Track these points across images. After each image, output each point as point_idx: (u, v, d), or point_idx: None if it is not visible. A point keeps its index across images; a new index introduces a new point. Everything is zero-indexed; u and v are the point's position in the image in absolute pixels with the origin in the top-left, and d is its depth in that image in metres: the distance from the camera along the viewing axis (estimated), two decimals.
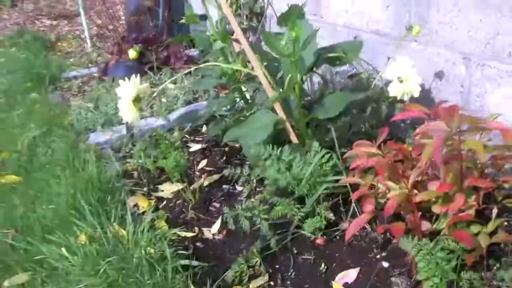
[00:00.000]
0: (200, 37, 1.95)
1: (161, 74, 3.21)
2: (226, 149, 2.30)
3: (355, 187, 1.59)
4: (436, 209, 1.39)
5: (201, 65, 1.95)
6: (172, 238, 1.81)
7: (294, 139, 1.82)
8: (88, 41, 4.56)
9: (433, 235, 1.41)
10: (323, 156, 1.63)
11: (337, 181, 1.65)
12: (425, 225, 1.42)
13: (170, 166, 1.84)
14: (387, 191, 1.45)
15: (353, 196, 1.51)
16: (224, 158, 2.26)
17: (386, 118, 1.99)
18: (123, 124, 2.62)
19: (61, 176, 2.10)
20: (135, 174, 2.24)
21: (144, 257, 1.58)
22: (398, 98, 1.87)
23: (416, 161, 1.43)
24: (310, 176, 1.62)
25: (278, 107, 1.79)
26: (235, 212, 1.61)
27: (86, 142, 2.52)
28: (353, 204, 1.67)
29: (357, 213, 1.68)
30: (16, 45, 4.72)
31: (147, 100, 2.86)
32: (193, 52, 3.67)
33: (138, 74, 1.97)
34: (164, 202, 2.04)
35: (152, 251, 1.67)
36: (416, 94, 1.84)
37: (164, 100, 2.81)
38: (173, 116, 2.66)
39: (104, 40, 4.41)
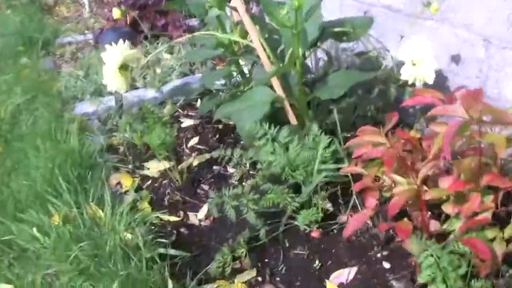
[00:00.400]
0: (195, 3, 1.76)
1: (157, 43, 3.01)
2: (220, 126, 2.12)
3: (357, 177, 1.42)
4: (447, 208, 1.21)
5: (195, 34, 1.76)
6: (154, 222, 1.65)
7: (292, 119, 1.64)
8: (87, 6, 4.34)
9: (442, 236, 1.25)
10: (324, 143, 1.45)
11: (337, 169, 1.47)
12: (434, 225, 1.25)
13: (154, 143, 1.66)
14: (393, 185, 1.27)
15: (355, 188, 1.33)
16: (217, 136, 2.07)
17: (394, 102, 1.82)
18: (113, 94, 2.44)
19: (40, 148, 1.93)
20: (121, 149, 2.06)
21: (118, 244, 1.41)
22: (410, 83, 1.69)
23: (427, 153, 1.25)
24: (308, 162, 1.44)
25: (276, 83, 1.61)
26: (221, 199, 1.43)
27: (71, 112, 2.35)
28: (354, 196, 1.50)
29: (358, 205, 1.51)
30: (12, 7, 4.51)
31: (140, 70, 2.69)
32: (194, 21, 3.46)
33: (129, 41, 1.80)
34: (149, 181, 1.87)
35: (129, 236, 1.50)
36: (430, 81, 1.65)
37: (158, 70, 2.62)
38: (167, 88, 2.47)
39: (102, 6, 4.20)
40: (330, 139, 1.48)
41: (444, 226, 1.24)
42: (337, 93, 1.45)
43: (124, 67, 1.75)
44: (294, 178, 1.46)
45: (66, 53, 3.30)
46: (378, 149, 1.23)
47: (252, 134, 1.50)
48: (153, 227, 1.62)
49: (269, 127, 1.52)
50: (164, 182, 1.84)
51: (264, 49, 1.57)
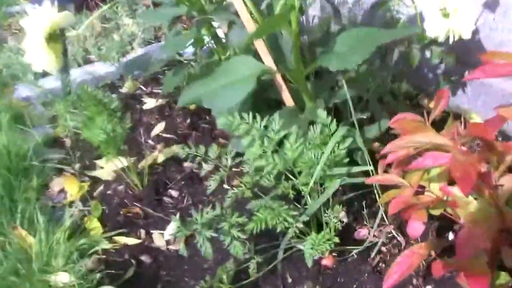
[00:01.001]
0: None
1: (117, 7, 2.47)
2: (192, 106, 1.61)
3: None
4: None
5: None
6: (106, 247, 1.17)
7: (288, 100, 1.15)
8: None
9: None
10: (339, 136, 0.96)
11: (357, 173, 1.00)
12: None
13: (96, 140, 1.16)
14: (452, 201, 0.80)
15: (391, 210, 0.84)
16: (189, 120, 1.57)
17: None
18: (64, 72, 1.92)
19: None
20: (67, 142, 1.56)
21: None
22: (441, 39, 1.20)
23: (506, 153, 0.77)
24: (314, 165, 0.96)
25: (263, 50, 1.11)
26: (191, 227, 0.94)
27: (11, 96, 1.83)
28: (380, 208, 1.03)
29: (385, 218, 1.04)
30: None
31: (95, 40, 2.16)
32: None
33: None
34: (101, 187, 1.38)
35: (65, 278, 1.03)
36: (467, 35, 1.18)
37: (117, 39, 2.10)
38: (128, 59, 1.95)
39: None
40: (344, 128, 0.99)
41: None
42: (354, 61, 0.96)
43: (53, 38, 1.24)
44: (295, 190, 0.99)
45: (14, 25, 2.75)
46: (441, 155, 0.74)
47: (230, 126, 1.02)
48: (103, 256, 1.15)
49: (255, 115, 1.03)
50: (119, 187, 1.35)
51: (245, 3, 1.06)
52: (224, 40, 1.37)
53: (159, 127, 1.55)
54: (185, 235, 0.91)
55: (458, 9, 1.16)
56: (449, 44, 1.22)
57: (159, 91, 1.77)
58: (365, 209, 1.10)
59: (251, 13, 1.08)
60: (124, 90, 1.81)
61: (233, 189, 1.05)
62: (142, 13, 1.52)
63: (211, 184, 1.06)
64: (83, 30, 2.11)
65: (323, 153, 0.96)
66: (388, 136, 1.35)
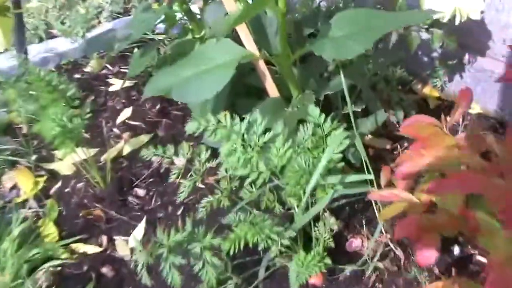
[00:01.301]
0: None
1: None
2: None
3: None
4: None
5: None
6: (63, 256, 1.01)
7: (272, 90, 0.98)
8: None
9: None
10: (338, 139, 0.79)
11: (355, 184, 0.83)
12: None
13: (48, 133, 0.98)
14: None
15: (397, 233, 0.68)
16: (159, 105, 1.38)
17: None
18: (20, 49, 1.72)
19: None
20: (24, 129, 1.37)
21: None
22: (446, 20, 1.04)
23: None
24: (305, 174, 0.79)
25: (244, 30, 0.93)
26: (155, 251, 0.76)
27: None
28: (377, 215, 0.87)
29: (383, 231, 0.89)
30: None
31: (58, 12, 1.95)
32: None
33: None
34: (59, 184, 1.20)
35: None
36: (475, 15, 1.02)
37: (82, 11, 1.89)
38: (91, 36, 1.75)
39: None
40: (343, 132, 0.82)
41: None
42: (354, 50, 0.78)
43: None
44: (281, 202, 0.83)
45: None
46: (467, 178, 0.58)
47: (205, 125, 0.85)
48: (59, 268, 0.98)
49: (233, 115, 0.86)
50: (79, 184, 1.18)
51: None
52: (198, 17, 1.18)
53: (126, 113, 1.37)
54: (147, 263, 0.74)
55: None
56: (448, 26, 1.07)
57: (127, 70, 1.58)
58: (357, 216, 0.95)
59: None
60: (88, 69, 1.61)
61: (208, 197, 0.89)
62: None
63: (183, 192, 0.89)
64: (43, 0, 1.90)
65: (315, 158, 0.80)
66: (384, 128, 1.20)
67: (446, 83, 1.35)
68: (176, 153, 0.92)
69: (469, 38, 1.21)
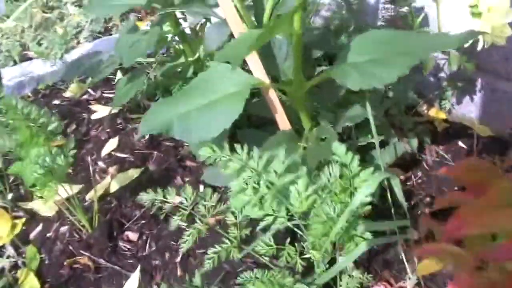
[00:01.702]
0: None
1: None
2: None
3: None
4: None
5: None
6: None
7: (283, 123, 0.85)
8: None
9: None
10: (372, 180, 0.67)
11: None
12: None
13: (29, 178, 0.84)
14: None
15: None
16: (148, 135, 1.24)
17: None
18: None
19: None
20: None
21: None
22: (467, 45, 0.93)
23: None
24: (330, 220, 0.67)
25: (253, 55, 0.81)
26: None
27: None
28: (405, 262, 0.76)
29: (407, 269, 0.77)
30: None
31: (34, 32, 1.80)
32: None
33: None
34: (40, 227, 1.05)
35: None
36: (502, 40, 0.92)
37: (60, 31, 1.75)
38: (71, 57, 1.61)
39: None
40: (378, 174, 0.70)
41: None
42: (385, 78, 0.67)
43: None
44: (302, 257, 0.70)
45: None
46: None
47: (213, 161, 0.72)
48: None
49: (250, 148, 0.73)
50: (62, 229, 1.03)
51: None
52: (191, 38, 1.06)
53: (111, 144, 1.23)
54: None
55: (494, 7, 0.89)
56: (466, 48, 0.96)
57: (111, 95, 1.44)
58: (384, 266, 0.83)
59: (237, 8, 0.77)
60: (68, 94, 1.47)
61: (215, 246, 0.76)
62: (88, 5, 1.16)
63: (182, 246, 0.76)
64: (19, 20, 1.76)
65: (341, 203, 0.68)
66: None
67: (454, 105, 1.26)
68: (177, 193, 0.79)
69: (487, 61, 1.11)
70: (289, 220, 0.72)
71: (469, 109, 1.24)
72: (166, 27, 1.07)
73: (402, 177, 1.08)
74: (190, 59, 1.09)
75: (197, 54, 1.08)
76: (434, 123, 1.25)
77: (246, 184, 0.70)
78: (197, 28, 1.15)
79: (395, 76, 0.67)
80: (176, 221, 0.80)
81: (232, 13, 0.77)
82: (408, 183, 1.07)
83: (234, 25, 0.78)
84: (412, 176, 1.08)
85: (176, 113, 0.76)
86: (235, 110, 0.73)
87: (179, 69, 1.10)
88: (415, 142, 1.10)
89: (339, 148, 0.71)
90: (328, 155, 0.72)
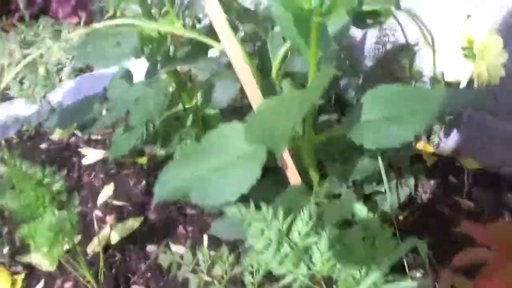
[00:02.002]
0: None
1: (38, 27, 2.06)
2: (144, 160, 1.27)
3: None
4: None
5: (97, 25, 0.90)
6: None
7: (295, 178, 0.85)
8: None
9: None
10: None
11: None
12: None
13: (39, 240, 0.82)
14: None
15: None
16: (144, 181, 1.23)
17: None
18: None
19: None
20: None
21: None
22: (463, 85, 0.95)
23: None
24: None
25: None
26: None
27: None
28: None
29: None
30: None
31: (13, 71, 1.76)
32: None
33: None
34: (41, 283, 1.02)
35: None
36: (496, 79, 0.94)
37: (41, 70, 1.71)
38: (54, 96, 1.58)
39: None
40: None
41: None
42: (402, 136, 0.67)
43: None
44: None
45: None
46: None
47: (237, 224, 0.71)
48: None
49: (258, 202, 0.72)
50: (67, 285, 1.00)
51: (249, 56, 0.74)
52: (202, 98, 1.04)
53: (107, 192, 1.20)
54: None
55: (488, 49, 0.91)
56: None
57: (99, 137, 1.42)
58: None
59: (253, 71, 0.77)
60: (54, 136, 1.43)
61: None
62: (78, 52, 1.11)
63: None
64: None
65: (365, 265, 0.68)
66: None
67: (441, 138, 1.28)
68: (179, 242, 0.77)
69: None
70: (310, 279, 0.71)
71: (457, 143, 1.26)
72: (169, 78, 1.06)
73: (400, 217, 1.09)
74: (187, 106, 1.08)
75: (194, 101, 1.07)
76: (423, 157, 1.27)
77: (269, 241, 0.69)
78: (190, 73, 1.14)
79: (411, 135, 0.68)
80: (182, 273, 0.78)
81: (253, 88, 0.76)
82: (405, 223, 1.08)
83: (254, 97, 0.76)
84: (409, 216, 1.10)
85: (191, 176, 0.75)
86: (252, 174, 0.72)
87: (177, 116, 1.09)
88: (411, 182, 1.12)
89: (361, 210, 0.71)
90: (347, 215, 0.72)
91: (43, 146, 1.39)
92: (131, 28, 0.89)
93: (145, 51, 0.89)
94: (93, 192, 1.20)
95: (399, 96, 0.74)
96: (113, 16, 1.62)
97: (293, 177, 0.84)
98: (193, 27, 0.86)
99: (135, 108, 0.90)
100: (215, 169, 0.74)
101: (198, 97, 1.07)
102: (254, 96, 0.74)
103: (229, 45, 0.73)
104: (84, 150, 1.35)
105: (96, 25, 0.89)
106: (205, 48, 0.86)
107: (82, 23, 2.02)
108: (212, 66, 0.85)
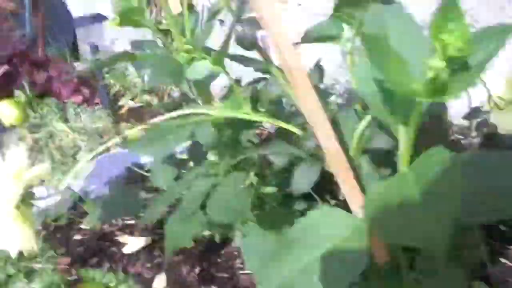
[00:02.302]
0: (147, 56, 0.86)
1: (41, 109, 2.00)
2: (193, 246, 1.20)
3: None
4: None
5: (160, 120, 0.84)
6: None
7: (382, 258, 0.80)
8: None
9: None
10: None
11: None
12: None
13: None
14: None
15: None
16: (198, 267, 1.16)
17: None
18: None
19: None
20: None
21: None
22: None
23: None
24: None
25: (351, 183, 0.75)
26: None
27: None
28: None
29: None
30: None
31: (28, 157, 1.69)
32: (79, 67, 2.48)
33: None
34: None
35: None
36: None
37: (55, 153, 1.65)
38: (77, 182, 1.51)
39: None
40: None
41: None
42: None
43: (26, 202, 0.81)
44: None
45: None
46: None
47: None
48: None
49: None
50: None
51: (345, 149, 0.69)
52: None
53: (160, 283, 1.12)
54: None
55: None
56: None
57: (133, 221, 1.35)
58: None
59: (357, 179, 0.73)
60: (86, 226, 1.36)
61: None
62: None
63: None
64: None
65: None
66: None
67: None
68: None
69: None
70: None
71: None
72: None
73: None
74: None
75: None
76: None
77: None
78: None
79: None
80: None
81: (351, 188, 0.71)
82: None
83: (354, 202, 0.71)
84: None
85: (294, 269, 0.69)
86: (358, 265, 0.67)
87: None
88: None
89: None
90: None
91: (77, 237, 1.32)
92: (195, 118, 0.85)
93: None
94: (145, 285, 1.13)
95: None
96: (133, 99, 1.59)
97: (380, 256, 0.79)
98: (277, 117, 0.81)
99: (210, 203, 0.84)
100: (317, 260, 0.69)
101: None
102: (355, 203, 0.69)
103: (323, 133, 0.69)
104: (123, 238, 1.28)
105: (158, 121, 0.84)
106: (285, 131, 0.81)
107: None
108: (291, 150, 0.81)
